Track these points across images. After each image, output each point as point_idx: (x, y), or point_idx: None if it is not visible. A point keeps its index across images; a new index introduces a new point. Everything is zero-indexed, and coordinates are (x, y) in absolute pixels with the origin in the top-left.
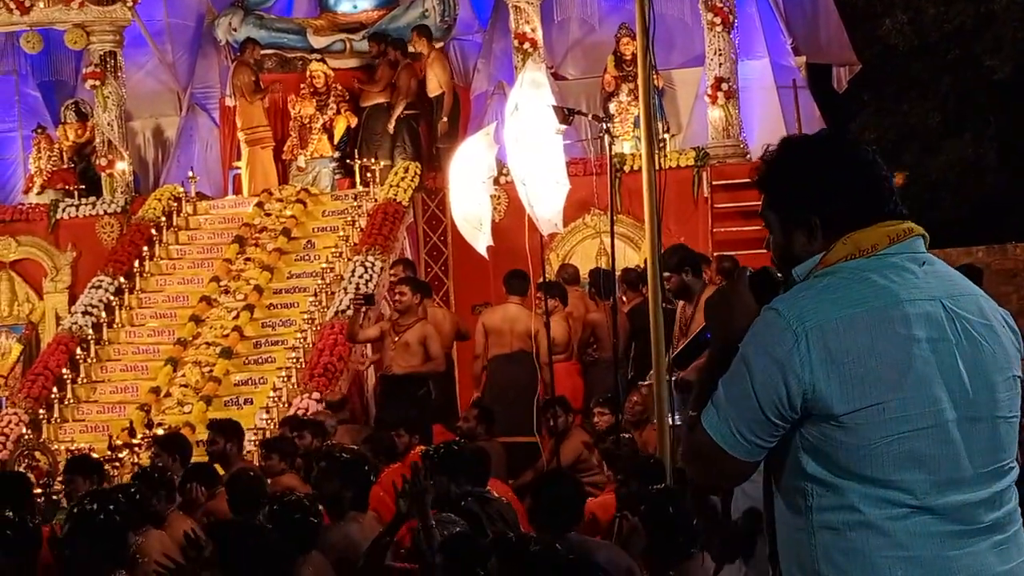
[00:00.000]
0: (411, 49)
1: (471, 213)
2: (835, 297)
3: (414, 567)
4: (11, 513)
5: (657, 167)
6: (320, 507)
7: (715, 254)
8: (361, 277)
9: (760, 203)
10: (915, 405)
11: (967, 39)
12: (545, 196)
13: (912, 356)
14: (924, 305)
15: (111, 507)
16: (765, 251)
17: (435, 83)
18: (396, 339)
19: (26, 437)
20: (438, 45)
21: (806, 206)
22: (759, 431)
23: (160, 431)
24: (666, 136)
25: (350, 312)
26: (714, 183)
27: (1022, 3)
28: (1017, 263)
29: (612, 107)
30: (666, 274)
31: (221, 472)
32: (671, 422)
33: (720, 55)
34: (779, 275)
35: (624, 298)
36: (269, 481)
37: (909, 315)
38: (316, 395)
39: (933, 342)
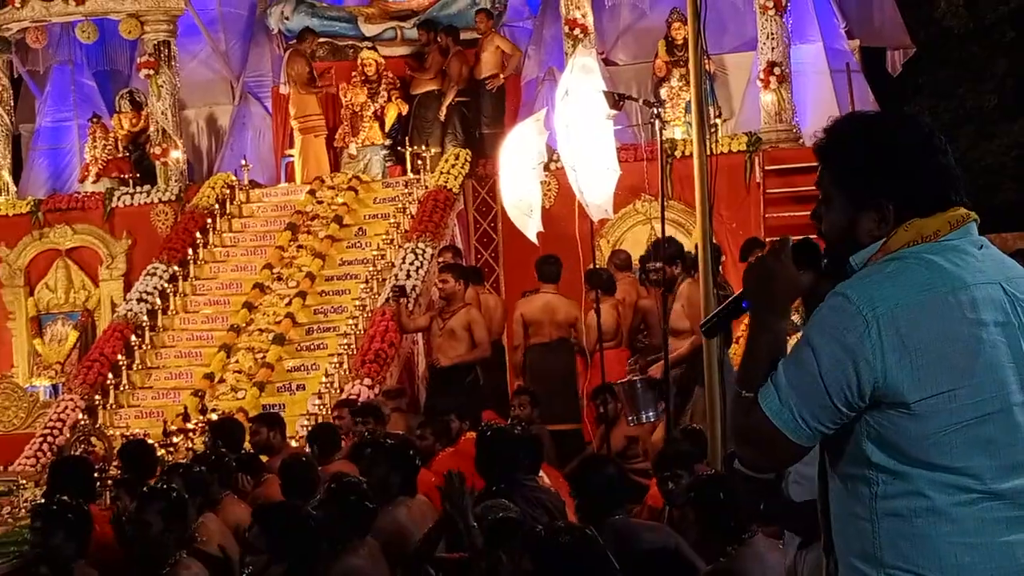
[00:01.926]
0: (466, 36)
1: (521, 199)
2: (904, 281)
3: (465, 556)
4: (70, 497)
5: (708, 152)
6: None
7: (768, 240)
8: (412, 264)
9: (817, 180)
10: (985, 390)
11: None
12: (595, 182)
13: (981, 341)
14: (988, 289)
15: (176, 488)
16: (813, 225)
17: (492, 62)
18: (442, 326)
19: (82, 423)
20: None
21: (884, 189)
22: (823, 417)
23: (214, 416)
24: (717, 121)
25: (391, 303)
26: (766, 168)
27: None
28: None
29: (663, 92)
30: (657, 264)
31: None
32: (645, 419)
33: (772, 39)
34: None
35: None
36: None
37: (976, 299)
38: (368, 381)
39: (1000, 326)
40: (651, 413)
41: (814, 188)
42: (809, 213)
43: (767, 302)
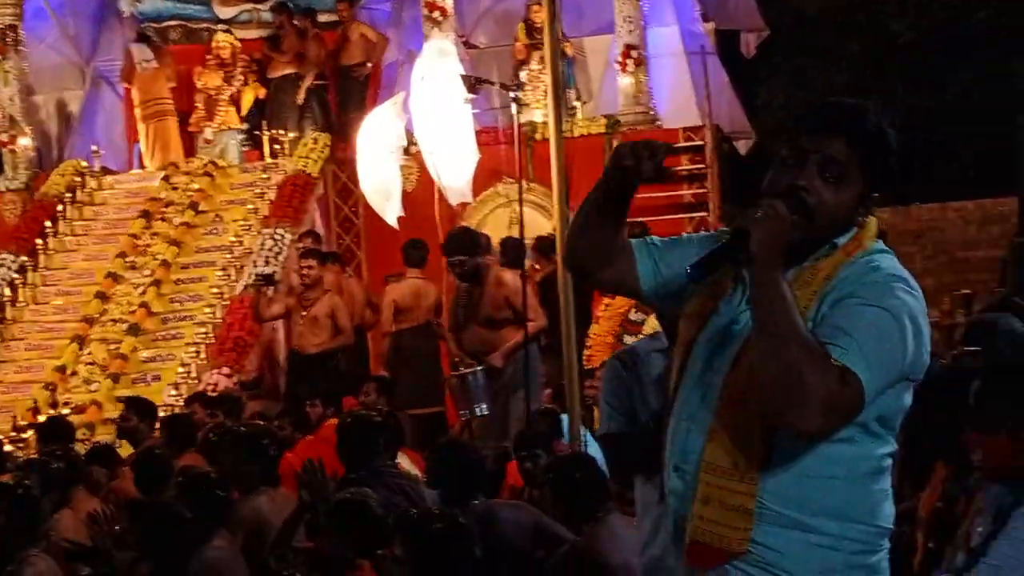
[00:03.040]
0: (326, 18)
1: (380, 184)
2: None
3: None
4: None
5: (568, 134)
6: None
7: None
8: (271, 250)
9: (828, 154)
10: None
11: (874, 3)
12: (453, 166)
13: None
14: None
15: (26, 483)
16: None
17: (358, 49)
18: (304, 314)
19: None
20: None
21: (882, 178)
22: (884, 388)
23: (66, 410)
24: (577, 104)
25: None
26: None
27: None
28: (921, 224)
29: (523, 75)
30: (461, 257)
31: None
32: (479, 412)
33: (629, 22)
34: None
35: (537, 267)
36: None
37: None
38: (226, 370)
39: None
40: (484, 406)
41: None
42: (666, 193)
43: (776, 258)
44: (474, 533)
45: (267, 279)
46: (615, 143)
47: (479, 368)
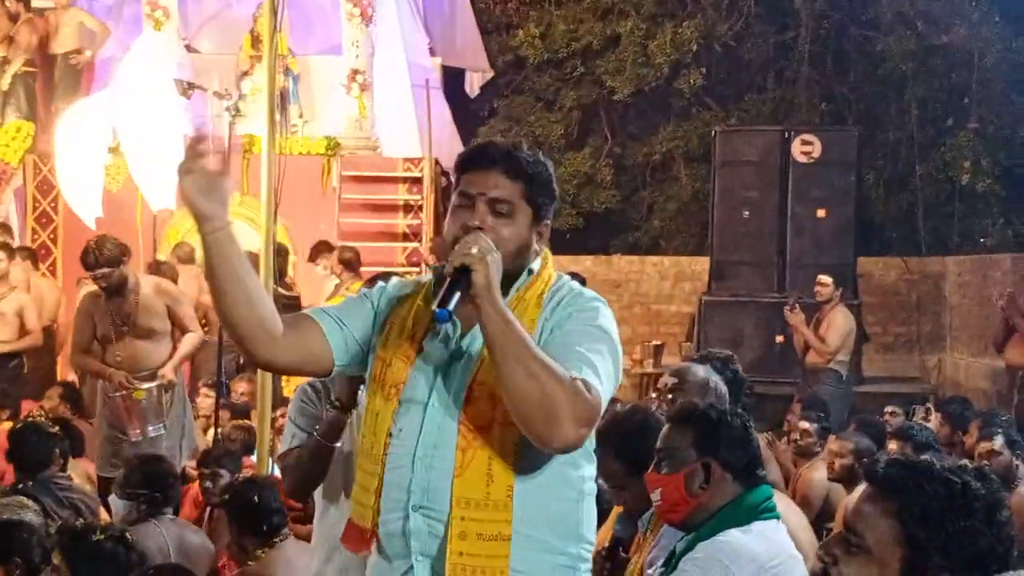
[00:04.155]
0: (41, 3)
1: (79, 181)
2: None
3: None
4: None
5: (286, 151)
6: None
7: (340, 244)
8: None
9: (501, 193)
10: None
11: (593, 58)
12: (158, 170)
13: None
14: None
15: None
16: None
17: (74, 36)
18: None
19: None
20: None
21: (549, 216)
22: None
23: None
24: (299, 121)
25: None
26: (344, 174)
27: (644, 31)
28: (620, 274)
29: (246, 86)
30: (106, 270)
31: None
32: (152, 432)
33: (357, 46)
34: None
35: None
36: None
37: None
38: None
39: None
40: (161, 425)
41: (387, 197)
42: (382, 220)
43: (496, 289)
44: (138, 548)
45: None
46: (334, 164)
47: (152, 384)
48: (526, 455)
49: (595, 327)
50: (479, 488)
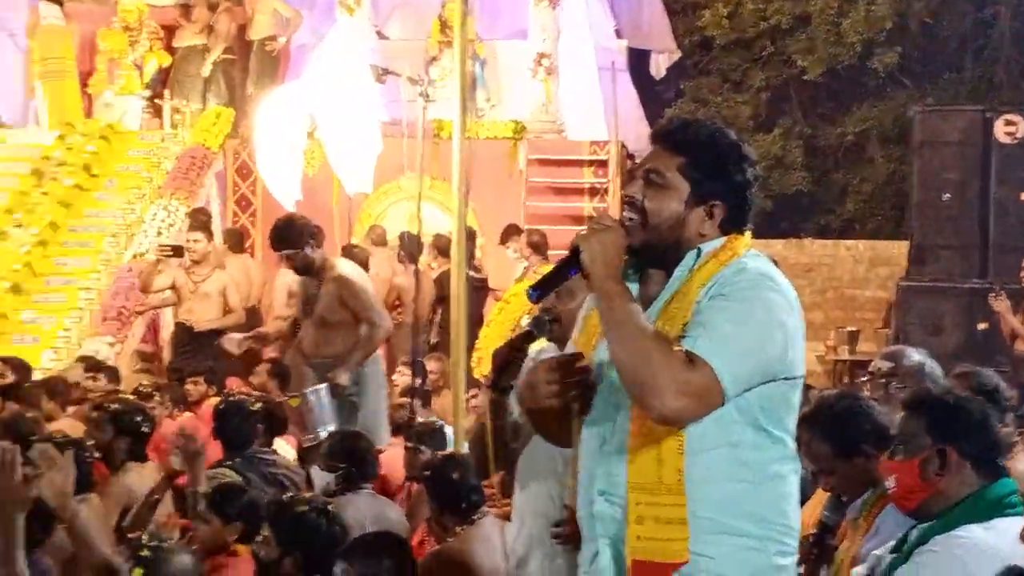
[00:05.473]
0: None
1: (279, 165)
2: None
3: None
4: None
5: (473, 135)
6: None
7: (526, 227)
8: (163, 221)
9: (651, 167)
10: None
11: (782, 37)
12: (354, 155)
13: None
14: None
15: None
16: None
17: (269, 23)
18: (194, 288)
19: None
20: None
21: (724, 192)
22: (749, 384)
23: None
24: (486, 106)
25: (149, 256)
26: (530, 157)
27: (836, 8)
28: (812, 258)
29: (434, 72)
30: (289, 251)
31: None
32: (325, 434)
33: (544, 31)
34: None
35: (434, 264)
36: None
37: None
38: (108, 339)
39: None
40: (332, 426)
41: (573, 181)
42: (568, 203)
43: (609, 266)
44: (339, 520)
45: (175, 250)
46: (520, 148)
47: (322, 386)
48: (692, 438)
49: (738, 303)
50: (651, 473)
